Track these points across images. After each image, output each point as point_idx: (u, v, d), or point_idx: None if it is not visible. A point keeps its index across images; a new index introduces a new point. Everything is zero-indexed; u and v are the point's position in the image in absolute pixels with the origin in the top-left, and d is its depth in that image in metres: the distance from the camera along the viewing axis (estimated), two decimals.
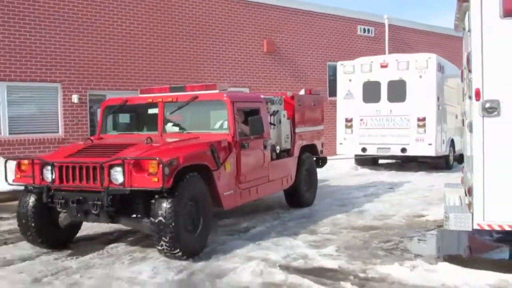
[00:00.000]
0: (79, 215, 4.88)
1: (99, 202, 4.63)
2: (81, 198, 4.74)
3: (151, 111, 6.11)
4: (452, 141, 12.68)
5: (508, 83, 4.10)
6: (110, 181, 4.62)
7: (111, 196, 4.60)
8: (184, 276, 4.27)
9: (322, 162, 8.25)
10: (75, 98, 11.00)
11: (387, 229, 6.06)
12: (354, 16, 17.28)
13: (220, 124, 5.86)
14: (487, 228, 4.28)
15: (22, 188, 5.27)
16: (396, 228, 6.11)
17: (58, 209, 4.89)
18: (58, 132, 10.94)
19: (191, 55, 13.01)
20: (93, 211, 4.70)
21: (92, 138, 5.99)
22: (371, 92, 11.92)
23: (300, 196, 7.29)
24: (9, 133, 10.25)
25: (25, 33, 10.33)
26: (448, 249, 5.61)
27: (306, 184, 7.42)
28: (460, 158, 9.94)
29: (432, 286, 4.02)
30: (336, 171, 11.68)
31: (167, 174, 4.45)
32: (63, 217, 5.08)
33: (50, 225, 5.08)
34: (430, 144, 11.30)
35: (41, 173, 4.89)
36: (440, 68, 11.63)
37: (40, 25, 10.53)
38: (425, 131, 11.32)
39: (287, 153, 7.11)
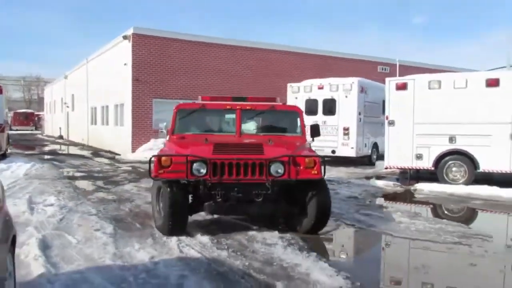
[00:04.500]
0: (239, 204, 5.56)
1: (264, 191, 5.44)
2: (245, 189, 5.45)
3: (228, 116, 7.06)
4: (376, 144, 15.85)
5: (397, 114, 11.40)
6: (269, 174, 5.47)
7: (276, 187, 5.48)
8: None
9: None
10: None
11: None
12: (376, 60, 24.74)
13: (295, 129, 7.02)
14: (389, 167, 11.62)
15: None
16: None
17: (217, 200, 5.43)
18: None
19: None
20: (257, 200, 5.49)
21: (175, 136, 6.61)
22: (311, 107, 14.95)
23: None
24: None
25: None
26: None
27: None
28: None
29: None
30: None
31: (323, 167, 5.65)
32: (211, 207, 5.58)
33: (186, 214, 5.75)
34: (352, 148, 14.69)
35: (191, 168, 5.40)
36: (363, 90, 14.69)
37: None
38: (348, 137, 14.67)
39: None
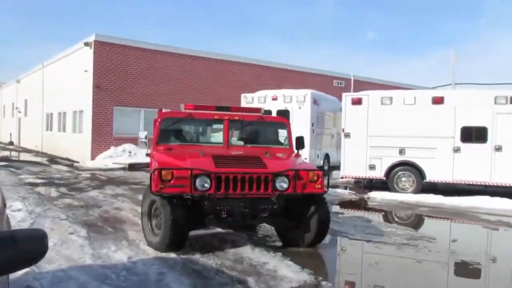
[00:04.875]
0: (245, 218, 5.39)
1: (270, 206, 5.29)
2: (251, 204, 5.26)
3: (215, 126, 6.77)
4: (327, 155, 16.03)
5: (353, 126, 12.16)
6: (274, 188, 5.31)
7: (281, 201, 5.37)
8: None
9: None
10: None
11: None
12: (332, 74, 25.85)
13: (283, 140, 6.97)
14: (345, 176, 12.35)
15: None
16: None
17: (222, 215, 5.17)
18: None
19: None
20: (262, 214, 5.36)
21: (162, 147, 6.21)
22: None
23: None
24: None
25: None
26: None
27: None
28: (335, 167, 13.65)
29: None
30: None
31: (326, 182, 5.58)
32: (213, 222, 5.46)
33: (187, 231, 5.43)
34: (305, 158, 16.02)
35: (194, 182, 5.06)
36: (316, 102, 14.64)
37: None
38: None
39: None
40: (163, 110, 6.88)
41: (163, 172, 5.07)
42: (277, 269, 4.94)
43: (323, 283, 4.63)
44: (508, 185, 10.58)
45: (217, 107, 6.98)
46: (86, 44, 18.56)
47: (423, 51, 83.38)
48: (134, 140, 19.10)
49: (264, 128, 7.00)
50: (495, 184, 10.70)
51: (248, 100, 15.30)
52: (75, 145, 20.08)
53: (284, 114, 14.61)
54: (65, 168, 16.61)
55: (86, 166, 16.97)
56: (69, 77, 21.25)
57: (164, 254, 5.35)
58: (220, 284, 4.48)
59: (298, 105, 14.46)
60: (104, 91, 18.44)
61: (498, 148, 10.59)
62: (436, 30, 79.93)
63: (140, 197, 9.68)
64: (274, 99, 14.81)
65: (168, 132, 6.53)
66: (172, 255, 5.34)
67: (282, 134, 7.01)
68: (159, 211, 5.35)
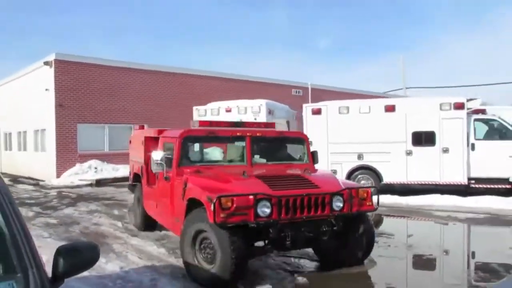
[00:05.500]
0: (309, 244, 5.22)
1: (330, 228, 5.06)
2: (314, 227, 4.98)
3: (237, 143, 6.29)
4: None
5: (314, 135, 12.92)
6: (332, 209, 5.06)
7: (340, 222, 5.13)
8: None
9: None
10: None
11: None
12: (290, 83, 26.82)
13: (301, 157, 6.65)
14: None
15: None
16: None
17: (287, 242, 4.79)
18: None
19: None
20: (323, 238, 5.08)
21: (188, 169, 5.67)
22: None
23: None
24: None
25: None
26: None
27: None
28: None
29: None
30: None
31: (376, 199, 5.42)
32: (268, 249, 5.07)
33: (247, 263, 4.87)
34: None
35: (255, 208, 4.60)
36: (270, 112, 14.55)
37: None
38: None
39: None
40: (193, 125, 6.45)
41: (223, 200, 4.51)
42: (259, 271, 5.52)
43: (299, 278, 5.26)
44: (455, 183, 11.66)
45: (233, 122, 6.81)
46: (46, 63, 18.51)
47: (376, 57, 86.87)
48: (99, 156, 19.24)
49: (284, 143, 6.78)
50: (444, 183, 11.75)
51: (201, 112, 14.91)
52: (39, 163, 19.88)
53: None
54: (31, 187, 16.50)
55: (52, 184, 16.91)
56: (28, 96, 21.01)
57: (152, 263, 5.82)
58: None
59: (253, 116, 14.20)
60: (67, 109, 18.45)
61: (446, 150, 11.67)
62: (387, 35, 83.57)
63: (116, 212, 10.11)
64: (228, 110, 14.50)
65: (188, 152, 6.10)
66: (159, 263, 5.82)
67: (302, 149, 6.74)
68: (209, 243, 4.80)
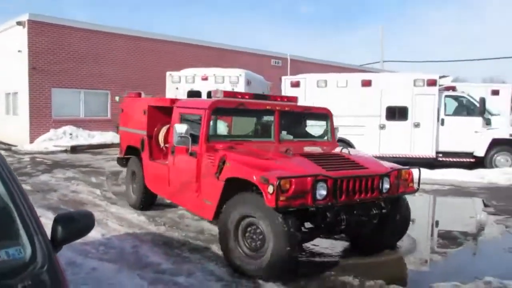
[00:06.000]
0: (361, 228, 4.91)
1: (378, 211, 4.81)
2: (366, 210, 4.72)
3: (266, 118, 5.98)
4: None
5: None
6: (381, 191, 4.77)
7: (389, 204, 4.89)
8: None
9: None
10: None
11: None
12: (270, 54, 26.75)
13: (324, 134, 6.35)
14: None
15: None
16: None
17: (342, 226, 4.55)
18: None
19: None
20: (374, 221, 4.86)
21: (221, 144, 5.19)
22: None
23: None
24: None
25: None
26: None
27: None
28: None
29: None
30: None
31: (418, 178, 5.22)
32: (314, 235, 4.83)
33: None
34: None
35: (313, 190, 4.24)
36: (249, 83, 13.81)
37: None
38: None
39: None
40: (215, 94, 5.84)
41: (282, 182, 4.10)
42: None
43: None
44: (425, 157, 12.16)
45: (255, 95, 6.29)
46: (19, 23, 17.90)
47: (355, 29, 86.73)
48: (74, 122, 19.00)
49: (308, 119, 6.44)
50: (414, 156, 12.24)
51: (175, 79, 13.94)
52: (10, 128, 19.51)
53: (196, 95, 13.28)
54: (3, 152, 16.24)
55: (26, 150, 16.70)
56: None
57: (133, 231, 6.02)
58: (189, 250, 5.27)
59: (231, 86, 13.40)
60: (41, 73, 18.01)
61: (417, 125, 12.10)
62: (367, 6, 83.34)
63: (94, 179, 10.19)
64: (204, 79, 13.62)
65: (216, 126, 5.64)
66: (140, 230, 6.02)
67: (326, 126, 6.41)
68: (254, 229, 4.44)
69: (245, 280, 4.39)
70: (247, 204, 4.46)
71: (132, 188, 7.54)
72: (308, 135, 6.39)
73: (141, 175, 7.07)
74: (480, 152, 12.16)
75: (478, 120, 12.17)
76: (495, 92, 13.64)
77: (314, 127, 6.54)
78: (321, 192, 4.30)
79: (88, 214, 2.39)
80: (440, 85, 12.22)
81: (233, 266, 4.59)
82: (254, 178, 4.32)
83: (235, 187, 4.67)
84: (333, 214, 4.43)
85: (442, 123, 12.24)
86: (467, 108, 12.45)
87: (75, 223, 2.26)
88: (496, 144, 12.07)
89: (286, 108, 5.87)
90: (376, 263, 5.12)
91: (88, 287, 3.93)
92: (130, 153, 7.68)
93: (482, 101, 11.98)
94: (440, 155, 12.26)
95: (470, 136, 12.16)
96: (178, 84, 13.79)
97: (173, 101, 6.45)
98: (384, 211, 4.86)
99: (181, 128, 5.29)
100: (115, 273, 4.38)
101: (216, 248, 5.35)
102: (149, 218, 6.67)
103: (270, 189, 4.08)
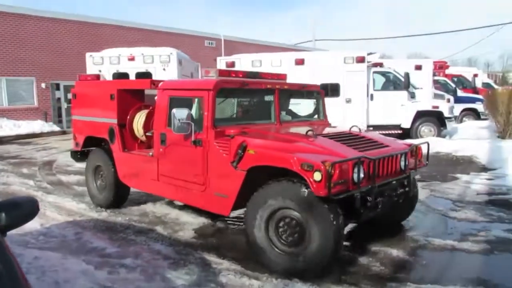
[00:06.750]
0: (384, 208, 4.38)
1: (403, 190, 4.64)
2: (395, 190, 4.54)
3: (267, 98, 5.53)
4: None
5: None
6: (403, 169, 4.64)
7: (410, 182, 4.73)
8: None
9: None
10: None
11: None
12: (203, 35, 26.50)
13: (317, 113, 6.10)
14: None
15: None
16: None
17: (378, 209, 4.21)
18: None
19: None
20: (400, 200, 4.65)
21: (233, 130, 4.66)
22: None
23: None
24: None
25: None
26: None
27: None
28: None
29: None
30: None
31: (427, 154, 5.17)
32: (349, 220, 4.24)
33: None
34: None
35: (352, 174, 3.93)
36: (180, 62, 13.05)
37: None
38: None
39: None
40: (208, 73, 5.14)
41: (330, 167, 3.68)
42: (179, 217, 5.87)
43: (218, 223, 5.70)
44: None
45: (248, 72, 5.63)
46: None
47: (288, 9, 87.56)
48: None
49: (303, 98, 6.07)
50: None
51: (97, 60, 12.76)
52: None
53: (146, 76, 13.48)
54: None
55: None
56: None
57: (73, 218, 5.89)
58: (134, 233, 5.27)
59: (162, 65, 12.53)
60: None
61: (348, 101, 12.65)
62: None
63: (25, 170, 9.73)
64: (131, 59, 12.62)
65: (221, 109, 5.05)
66: (81, 218, 5.91)
67: (319, 105, 6.14)
68: (288, 222, 4.03)
69: (192, 256, 4.50)
70: (281, 194, 3.98)
71: (96, 185, 6.65)
72: (305, 115, 6.02)
73: (112, 169, 6.24)
74: (407, 124, 12.99)
75: (404, 94, 12.94)
76: (418, 67, 14.46)
77: (297, 106, 6.10)
78: (360, 175, 3.95)
79: (31, 199, 2.38)
80: (368, 62, 12.82)
81: (269, 266, 4.10)
82: (293, 165, 3.85)
83: (260, 177, 4.24)
84: (373, 197, 4.09)
85: (372, 98, 12.89)
86: (393, 83, 13.18)
87: (19, 209, 2.25)
88: (420, 116, 12.95)
89: (285, 87, 5.47)
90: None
91: (32, 276, 3.83)
92: (91, 145, 6.83)
93: (407, 76, 12.73)
94: (371, 128, 12.92)
95: (397, 110, 12.93)
96: (101, 66, 12.65)
97: (155, 82, 5.62)
98: (407, 189, 4.68)
99: (181, 113, 4.66)
100: (59, 260, 4.30)
101: (161, 229, 5.40)
102: (90, 205, 6.53)
103: (317, 176, 3.67)
